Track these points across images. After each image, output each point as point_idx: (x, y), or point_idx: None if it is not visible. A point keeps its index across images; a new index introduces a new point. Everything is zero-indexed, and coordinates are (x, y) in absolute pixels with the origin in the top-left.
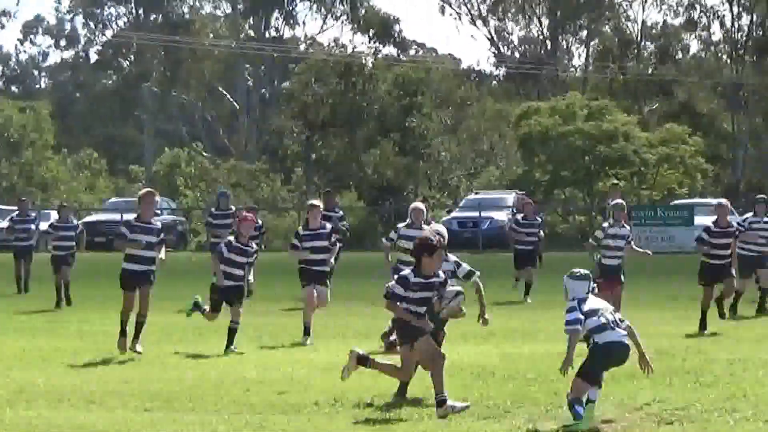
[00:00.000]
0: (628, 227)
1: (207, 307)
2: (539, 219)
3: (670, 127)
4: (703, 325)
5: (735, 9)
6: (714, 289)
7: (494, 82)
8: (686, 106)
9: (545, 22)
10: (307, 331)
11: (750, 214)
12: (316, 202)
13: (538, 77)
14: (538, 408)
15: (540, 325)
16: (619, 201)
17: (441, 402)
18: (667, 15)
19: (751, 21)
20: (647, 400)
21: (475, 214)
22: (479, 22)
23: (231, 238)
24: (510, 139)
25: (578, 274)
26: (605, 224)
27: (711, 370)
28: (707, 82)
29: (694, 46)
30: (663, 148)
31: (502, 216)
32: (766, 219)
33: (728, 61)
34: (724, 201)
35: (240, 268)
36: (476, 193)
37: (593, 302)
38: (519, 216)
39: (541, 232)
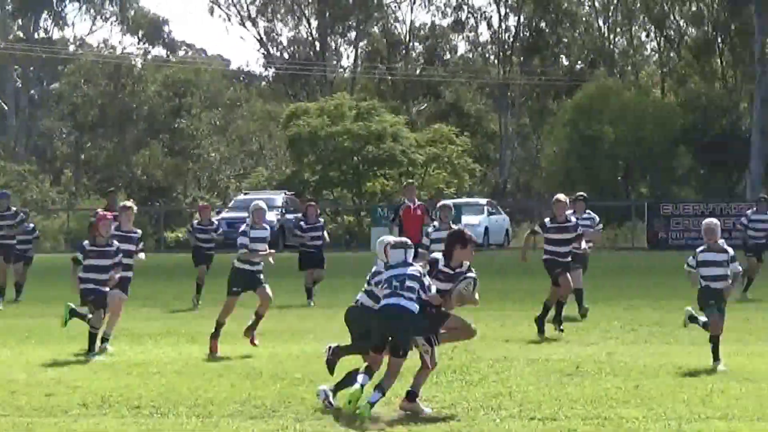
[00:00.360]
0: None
1: (87, 314)
2: (321, 221)
3: (437, 127)
4: (557, 318)
5: (502, 10)
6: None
7: (263, 83)
8: (454, 107)
9: (314, 23)
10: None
11: (570, 212)
12: (129, 203)
13: (307, 78)
14: (306, 408)
15: (309, 326)
16: (447, 202)
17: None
18: (435, 16)
19: (518, 22)
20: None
21: (245, 214)
22: (248, 23)
23: (86, 242)
24: (279, 139)
25: (393, 242)
26: (430, 228)
27: (477, 369)
28: (475, 82)
29: (462, 47)
30: (431, 148)
31: (271, 216)
32: (585, 216)
33: (495, 61)
34: (561, 196)
35: (104, 272)
36: (245, 194)
37: (405, 270)
38: (302, 222)
39: (326, 234)
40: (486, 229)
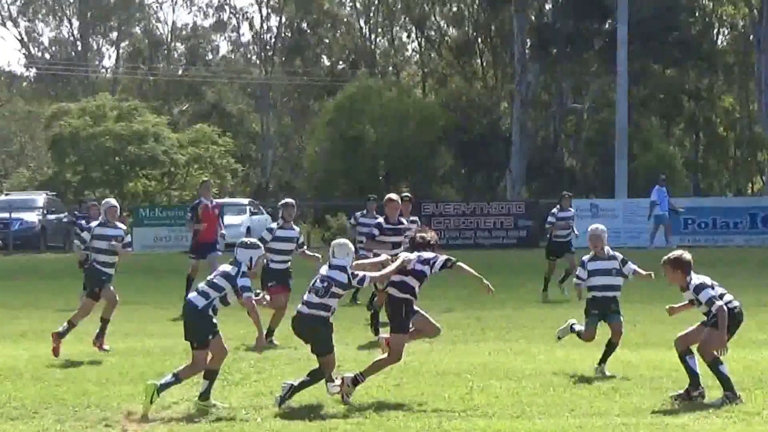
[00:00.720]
0: (298, 229)
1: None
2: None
3: (199, 127)
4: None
5: (264, 10)
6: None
7: (25, 83)
8: (216, 107)
9: (76, 23)
10: None
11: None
12: None
13: (69, 78)
14: (67, 408)
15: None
16: (290, 200)
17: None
18: (197, 16)
19: (280, 22)
20: (176, 399)
21: (6, 215)
22: (9, 23)
23: None
24: (41, 140)
25: (248, 243)
26: (274, 225)
27: (239, 369)
28: (237, 82)
29: (224, 47)
30: (193, 149)
31: (32, 217)
32: (411, 219)
33: (257, 61)
34: (394, 196)
35: None
36: (7, 194)
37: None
38: (83, 221)
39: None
40: (248, 229)
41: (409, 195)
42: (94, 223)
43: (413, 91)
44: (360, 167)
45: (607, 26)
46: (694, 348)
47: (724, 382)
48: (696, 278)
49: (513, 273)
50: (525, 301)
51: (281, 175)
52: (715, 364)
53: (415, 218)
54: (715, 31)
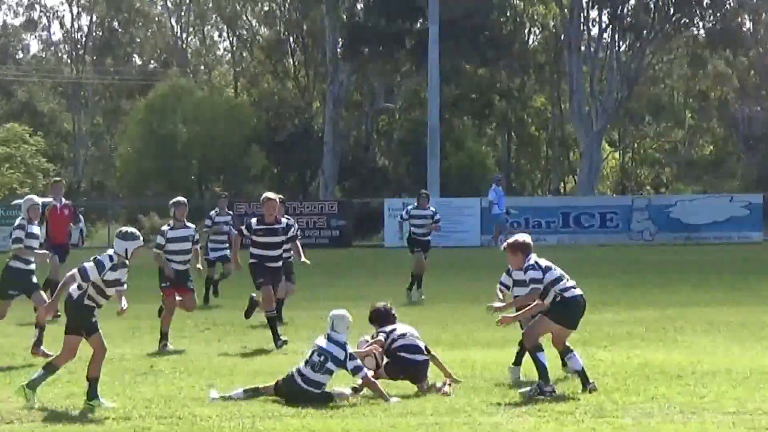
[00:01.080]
0: (193, 227)
1: None
2: None
3: (10, 126)
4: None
5: (75, 9)
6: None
7: None
8: (27, 106)
9: None
10: None
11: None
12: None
13: None
14: None
15: None
16: (181, 198)
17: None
18: (7, 15)
19: (91, 21)
20: None
21: None
22: None
23: None
24: None
25: (127, 232)
26: (165, 227)
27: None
28: (48, 81)
29: (35, 46)
30: (4, 148)
31: None
32: (288, 222)
33: (69, 60)
34: (272, 195)
35: None
36: None
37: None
38: None
39: None
40: None
41: (281, 196)
42: (19, 220)
43: (225, 91)
44: (172, 166)
45: (418, 25)
46: (570, 345)
47: (541, 370)
48: (534, 259)
49: (324, 272)
50: (338, 300)
51: (93, 174)
52: (534, 351)
53: (289, 218)
54: (527, 30)
